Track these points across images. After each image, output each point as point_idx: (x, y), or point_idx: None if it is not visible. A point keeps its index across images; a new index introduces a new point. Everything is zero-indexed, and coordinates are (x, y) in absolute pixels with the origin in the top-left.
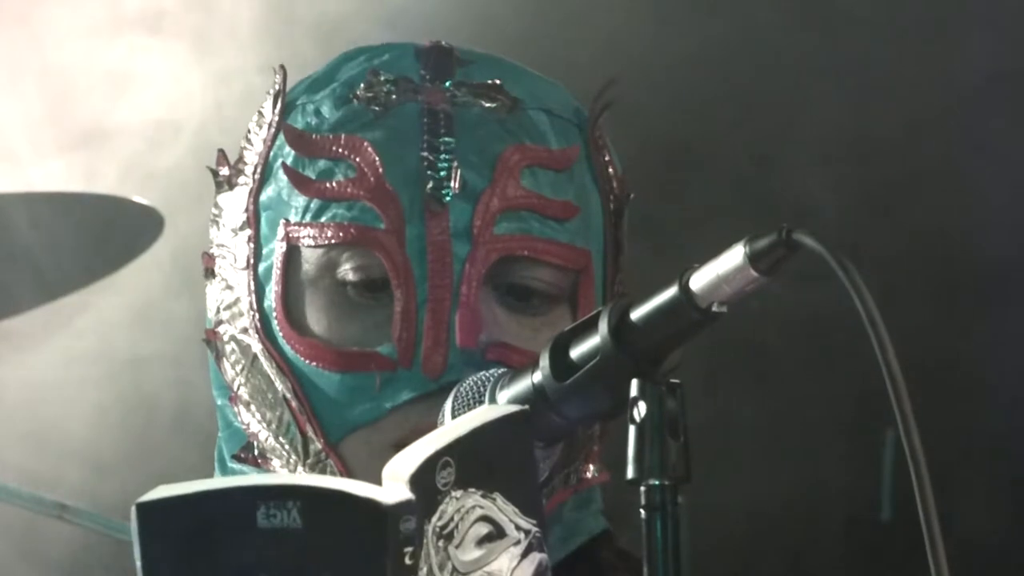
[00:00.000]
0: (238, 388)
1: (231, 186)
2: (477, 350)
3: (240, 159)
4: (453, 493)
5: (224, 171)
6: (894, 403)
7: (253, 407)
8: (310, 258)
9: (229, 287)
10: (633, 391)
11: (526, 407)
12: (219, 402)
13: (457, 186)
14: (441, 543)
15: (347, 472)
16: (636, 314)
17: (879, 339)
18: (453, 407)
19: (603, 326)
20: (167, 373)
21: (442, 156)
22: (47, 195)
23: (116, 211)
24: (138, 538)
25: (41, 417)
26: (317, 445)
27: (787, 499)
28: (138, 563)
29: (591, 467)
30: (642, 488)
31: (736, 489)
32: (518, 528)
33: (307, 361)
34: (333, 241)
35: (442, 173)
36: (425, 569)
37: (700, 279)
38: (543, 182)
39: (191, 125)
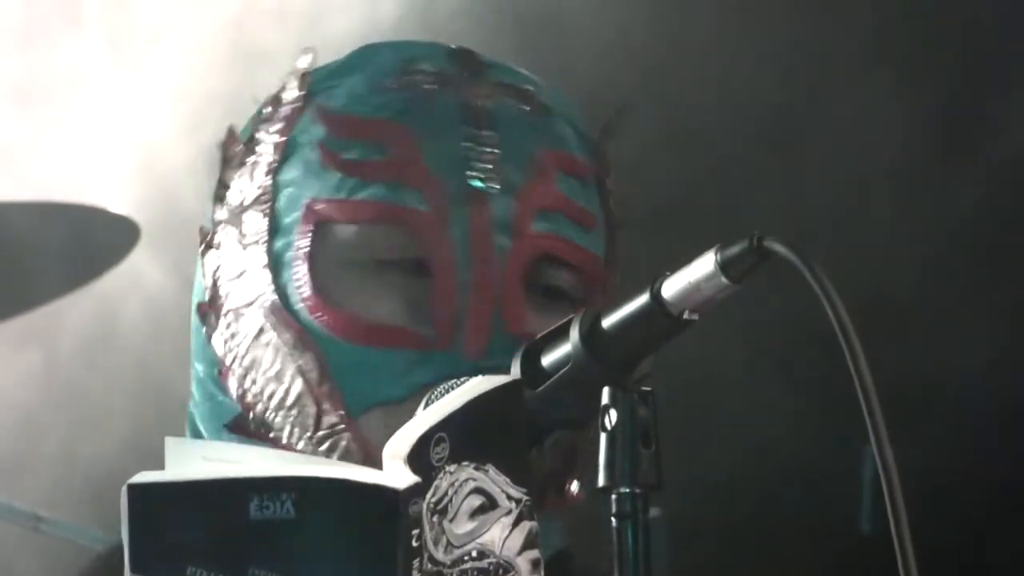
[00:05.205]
0: (232, 362)
1: (241, 163)
2: (521, 339)
3: (252, 138)
4: (447, 468)
5: (236, 148)
6: (865, 413)
7: (249, 380)
8: (343, 234)
9: (232, 261)
10: (604, 399)
11: (519, 376)
12: (201, 374)
13: (500, 178)
14: (435, 518)
15: (362, 448)
16: (607, 321)
17: (851, 349)
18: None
19: (574, 333)
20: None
21: (484, 148)
22: (21, 204)
23: (91, 221)
24: (127, 519)
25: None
26: (333, 418)
27: (766, 512)
28: (126, 544)
29: (576, 481)
30: (612, 496)
31: (713, 502)
32: (509, 498)
33: (335, 334)
34: (372, 219)
35: (486, 164)
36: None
37: (672, 286)
38: (570, 188)
39: None
